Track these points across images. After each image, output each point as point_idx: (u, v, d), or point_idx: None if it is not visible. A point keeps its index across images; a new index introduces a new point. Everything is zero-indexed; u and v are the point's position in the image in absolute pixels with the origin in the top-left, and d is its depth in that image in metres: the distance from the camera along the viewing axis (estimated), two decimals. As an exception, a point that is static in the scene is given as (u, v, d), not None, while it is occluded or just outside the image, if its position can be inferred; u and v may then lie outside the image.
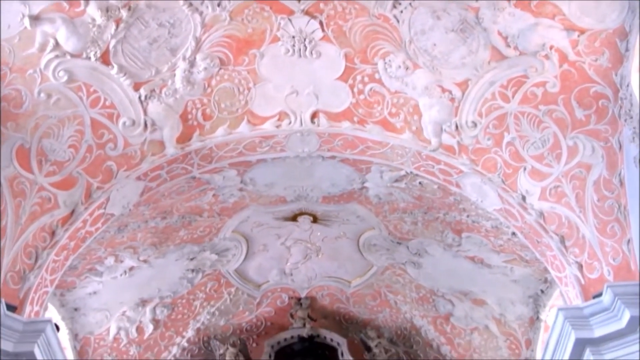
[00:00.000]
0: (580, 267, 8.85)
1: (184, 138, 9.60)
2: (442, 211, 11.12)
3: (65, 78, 8.78)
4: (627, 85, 8.31)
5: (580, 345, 8.26)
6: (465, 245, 11.82)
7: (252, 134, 9.76)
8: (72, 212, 9.31)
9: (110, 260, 11.80)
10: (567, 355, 8.50)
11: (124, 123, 9.24)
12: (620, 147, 8.50)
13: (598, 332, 8.14)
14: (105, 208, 9.67)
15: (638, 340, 7.89)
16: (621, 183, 8.52)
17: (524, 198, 9.30)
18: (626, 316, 7.83)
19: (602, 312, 8.07)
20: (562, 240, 9.04)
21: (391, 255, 12.71)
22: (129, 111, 9.23)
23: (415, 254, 12.47)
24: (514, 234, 10.43)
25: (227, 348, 13.51)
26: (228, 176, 10.52)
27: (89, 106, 9.04)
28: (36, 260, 8.99)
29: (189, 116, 9.51)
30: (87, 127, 9.11)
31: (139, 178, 9.70)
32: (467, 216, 10.98)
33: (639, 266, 8.21)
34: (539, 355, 10.99)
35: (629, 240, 8.37)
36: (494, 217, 10.23)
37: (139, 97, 9.20)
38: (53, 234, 9.17)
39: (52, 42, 8.57)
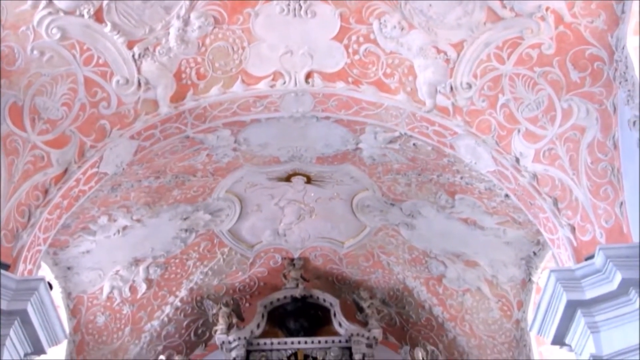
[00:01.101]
0: (573, 229, 8.88)
1: (177, 97, 9.56)
2: (436, 173, 11.13)
3: (59, 35, 8.69)
4: (623, 48, 8.27)
5: (572, 306, 8.31)
6: (458, 207, 11.85)
7: (246, 94, 9.72)
8: (65, 170, 9.28)
9: (103, 220, 11.80)
10: (558, 317, 8.56)
11: (118, 81, 9.18)
12: (615, 109, 8.48)
13: (589, 294, 8.18)
14: (98, 167, 9.65)
15: (629, 302, 7.94)
16: (615, 146, 8.52)
17: (517, 160, 9.31)
18: (617, 278, 7.87)
19: (594, 274, 8.11)
20: (555, 202, 9.06)
21: (384, 217, 12.73)
22: (123, 70, 9.16)
23: (408, 215, 12.49)
24: (507, 196, 10.44)
25: (220, 308, 13.56)
26: (222, 136, 10.50)
27: (82, 64, 8.97)
28: (29, 219, 8.98)
29: (183, 75, 9.45)
30: (80, 85, 9.05)
31: (132, 137, 9.67)
32: (461, 178, 11.00)
33: (631, 229, 8.24)
34: (530, 316, 11.04)
35: (621, 203, 8.39)
36: (487, 179, 10.25)
37: (133, 56, 9.12)
38: (46, 192, 9.15)
39: (45, -2, 8.51)
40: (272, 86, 9.67)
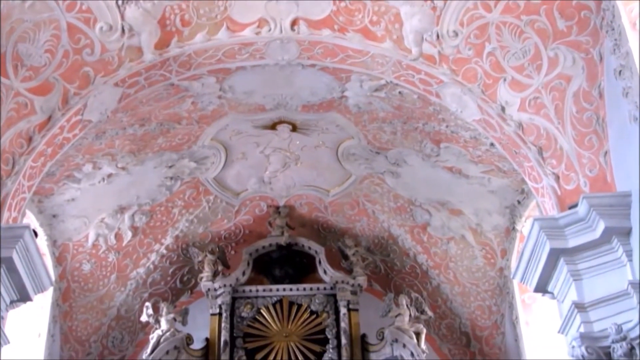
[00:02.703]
0: (557, 178, 8.91)
1: (162, 44, 9.46)
2: (422, 121, 11.13)
3: (41, -19, 8.59)
4: (610, -4, 8.24)
5: (555, 255, 8.38)
6: (443, 156, 11.86)
7: (231, 41, 9.64)
8: (49, 118, 9.22)
9: (88, 167, 11.76)
10: (541, 265, 8.63)
11: (101, 28, 9.07)
12: (601, 58, 8.46)
13: (572, 242, 8.24)
14: (82, 114, 9.58)
15: (611, 251, 8.01)
16: (600, 95, 8.51)
17: (503, 109, 9.30)
18: (600, 227, 7.93)
19: (577, 223, 8.16)
20: (540, 151, 9.07)
21: (370, 165, 12.74)
22: (106, 16, 9.04)
23: (393, 163, 12.51)
24: (492, 144, 10.46)
25: (206, 255, 13.59)
26: (207, 83, 10.44)
27: (64, 10, 8.84)
28: (13, 167, 8.94)
29: (167, 22, 9.34)
30: (63, 31, 8.94)
31: (116, 84, 9.60)
32: (446, 126, 10.99)
33: (615, 178, 8.28)
34: (513, 264, 11.12)
35: (606, 152, 8.41)
36: (472, 127, 10.25)
37: (116, 2, 8.98)
38: (30, 140, 9.10)
39: (25, -57, 8.37)
40: (257, 33, 9.59)
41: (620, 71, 7.88)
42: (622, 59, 7.84)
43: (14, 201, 9.02)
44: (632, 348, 7.45)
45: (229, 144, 12.46)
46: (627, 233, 7.86)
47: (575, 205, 8.19)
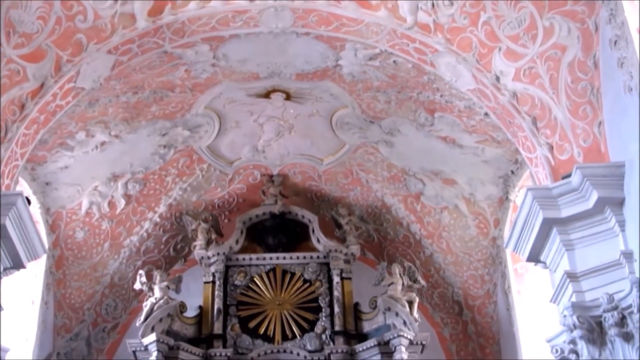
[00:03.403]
0: (551, 148, 8.91)
1: (155, 11, 9.39)
2: (416, 90, 11.10)
3: (33, -54, 8.51)
4: (606, -35, 8.20)
5: (548, 224, 8.40)
6: (437, 125, 11.85)
7: (225, 8, 9.57)
8: (42, 85, 9.17)
9: (81, 135, 11.73)
10: (534, 235, 8.66)
11: (94, -6, 9.03)
12: (597, 28, 8.42)
13: (565, 212, 8.26)
14: (75, 82, 9.54)
15: (604, 221, 8.03)
16: (595, 65, 8.49)
17: (497, 78, 9.27)
18: (594, 197, 7.94)
19: (570, 193, 8.18)
20: (534, 121, 9.06)
21: (364, 134, 12.73)
22: (99, -18, 9.00)
23: (387, 133, 12.49)
24: (486, 114, 10.44)
25: (199, 224, 13.62)
26: (200, 51, 10.38)
27: (57, -24, 8.80)
28: (6, 134, 8.92)
29: (161, -11, 9.31)
30: (55, -2, 8.90)
31: (109, 52, 9.54)
32: (441, 96, 10.97)
33: (609, 148, 8.28)
34: (506, 234, 11.16)
35: (600, 123, 8.41)
36: (467, 97, 10.22)
37: (109, -33, 8.97)
38: (22, 107, 9.06)
39: None
40: (251, 0, 9.53)
41: (615, 41, 7.85)
42: (617, 29, 7.81)
43: (6, 169, 9.00)
44: (624, 318, 7.49)
45: (222, 113, 12.42)
46: (620, 203, 7.87)
47: (569, 176, 8.20)
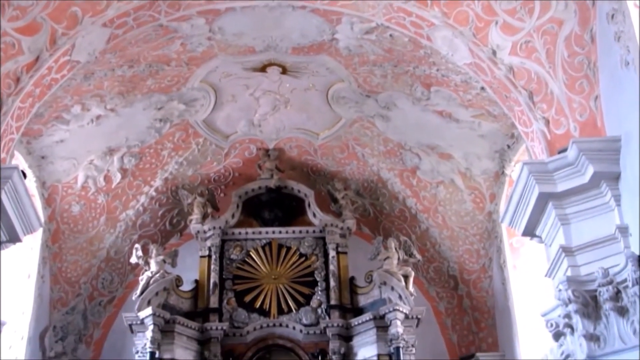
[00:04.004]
0: (547, 122, 8.90)
1: (151, -16, 9.37)
2: (412, 64, 11.07)
3: None
4: (604, -62, 8.14)
5: (543, 199, 8.39)
6: (434, 99, 11.84)
7: (221, -19, 9.55)
8: (37, 58, 9.12)
9: (77, 109, 11.70)
10: (529, 209, 8.66)
11: (89, -33, 8.97)
12: (594, 2, 8.38)
13: (561, 187, 8.25)
14: (70, 55, 9.50)
15: (600, 195, 8.04)
16: (592, 39, 8.45)
17: (494, 52, 9.24)
18: (589, 171, 7.94)
19: (566, 167, 8.17)
20: (531, 95, 9.04)
21: (360, 108, 12.70)
22: (94, -46, 8.94)
23: (384, 107, 12.47)
24: (482, 88, 10.42)
25: (195, 198, 13.63)
26: (196, 24, 10.33)
27: (52, -52, 8.74)
28: (1, 107, 8.88)
29: (156, -39, 9.25)
30: (50, -30, 8.84)
31: (104, 25, 9.48)
32: (437, 70, 10.95)
33: (605, 122, 8.28)
34: (502, 208, 11.17)
35: (596, 97, 8.38)
36: (463, 71, 10.20)
37: (104, -60, 8.91)
38: (18, 80, 9.02)
39: None
40: (247, -27, 9.50)
41: (612, 15, 7.81)
42: (614, 3, 7.77)
43: (2, 142, 8.97)
44: (618, 292, 7.51)
45: (218, 86, 12.39)
46: (616, 178, 7.87)
47: (565, 150, 8.19)
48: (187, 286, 13.04)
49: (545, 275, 8.72)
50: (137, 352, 12.10)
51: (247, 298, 13.02)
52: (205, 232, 13.30)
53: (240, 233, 13.55)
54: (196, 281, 13.12)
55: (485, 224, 13.29)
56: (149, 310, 11.97)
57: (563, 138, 8.62)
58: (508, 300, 12.58)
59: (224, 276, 13.16)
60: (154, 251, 12.83)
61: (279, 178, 13.84)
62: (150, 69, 11.32)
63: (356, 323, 12.44)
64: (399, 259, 12.74)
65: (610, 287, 7.52)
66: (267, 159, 13.87)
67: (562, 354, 8.39)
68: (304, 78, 12.26)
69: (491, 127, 12.04)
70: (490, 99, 10.74)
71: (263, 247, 13.48)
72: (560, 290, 7.88)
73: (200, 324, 12.52)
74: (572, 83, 8.60)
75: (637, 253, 7.18)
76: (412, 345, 12.19)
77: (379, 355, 12.12)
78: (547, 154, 8.76)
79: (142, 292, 12.34)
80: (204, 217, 13.45)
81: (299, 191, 13.95)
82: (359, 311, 12.73)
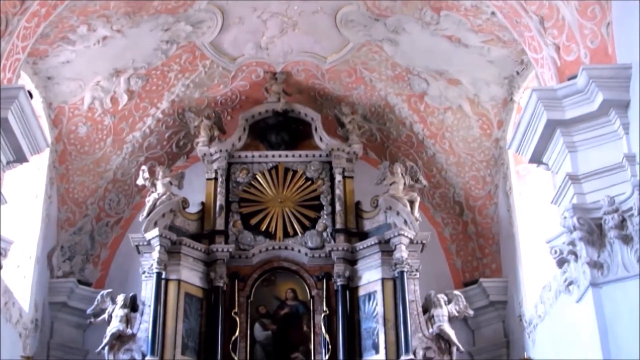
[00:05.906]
0: (558, 48, 8.82)
1: None
2: (422, -13, 10.95)
3: None
4: None
5: (551, 126, 8.38)
6: (443, 24, 11.69)
7: None
8: (42, -23, 9.06)
9: (83, 29, 11.58)
10: (537, 136, 8.66)
11: None
12: None
13: (570, 114, 8.24)
14: (76, -27, 9.41)
15: (608, 123, 8.01)
16: (606, -36, 8.34)
17: (505, -24, 9.14)
18: (599, 99, 7.90)
19: (576, 94, 8.14)
20: (542, 21, 8.95)
21: (368, 32, 12.57)
22: None
23: (392, 31, 12.34)
24: (493, 13, 10.31)
25: (202, 120, 13.61)
26: (204, -56, 10.20)
27: None
28: (7, 27, 8.85)
29: None
30: None
31: (111, -57, 9.38)
32: (447, -7, 10.83)
33: (616, 50, 8.20)
34: (509, 135, 11.14)
35: (608, 23, 8.29)
36: (474, -5, 10.09)
37: None
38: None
39: None
40: None
41: (628, -61, 7.70)
42: None
43: (8, 62, 8.95)
44: (624, 220, 7.56)
45: (225, 8, 12.23)
46: (625, 106, 7.85)
47: (575, 77, 8.15)
48: (193, 208, 13.10)
49: (551, 203, 8.75)
50: (144, 272, 12.23)
51: (253, 221, 13.10)
52: (211, 154, 13.31)
53: (246, 156, 13.56)
54: (202, 203, 13.18)
55: (492, 151, 13.28)
56: (155, 232, 12.06)
57: (573, 65, 8.57)
58: (513, 227, 12.63)
59: (230, 199, 13.22)
60: (161, 173, 12.87)
61: (285, 102, 13.78)
62: (157, -11, 11.22)
63: (361, 247, 12.53)
64: (405, 184, 12.77)
65: (615, 215, 7.57)
66: (274, 82, 13.80)
67: (565, 280, 8.50)
68: (312, 1, 12.11)
69: (500, 53, 11.93)
70: (500, 24, 10.62)
71: (269, 171, 13.50)
72: (565, 217, 7.93)
73: (206, 245, 12.62)
74: (584, 9, 8.50)
75: (644, 182, 7.20)
76: (416, 270, 12.29)
77: (383, 279, 12.24)
78: (557, 80, 8.72)
79: (148, 214, 12.41)
80: (211, 139, 13.44)
81: (305, 115, 13.91)
82: (364, 235, 12.81)
